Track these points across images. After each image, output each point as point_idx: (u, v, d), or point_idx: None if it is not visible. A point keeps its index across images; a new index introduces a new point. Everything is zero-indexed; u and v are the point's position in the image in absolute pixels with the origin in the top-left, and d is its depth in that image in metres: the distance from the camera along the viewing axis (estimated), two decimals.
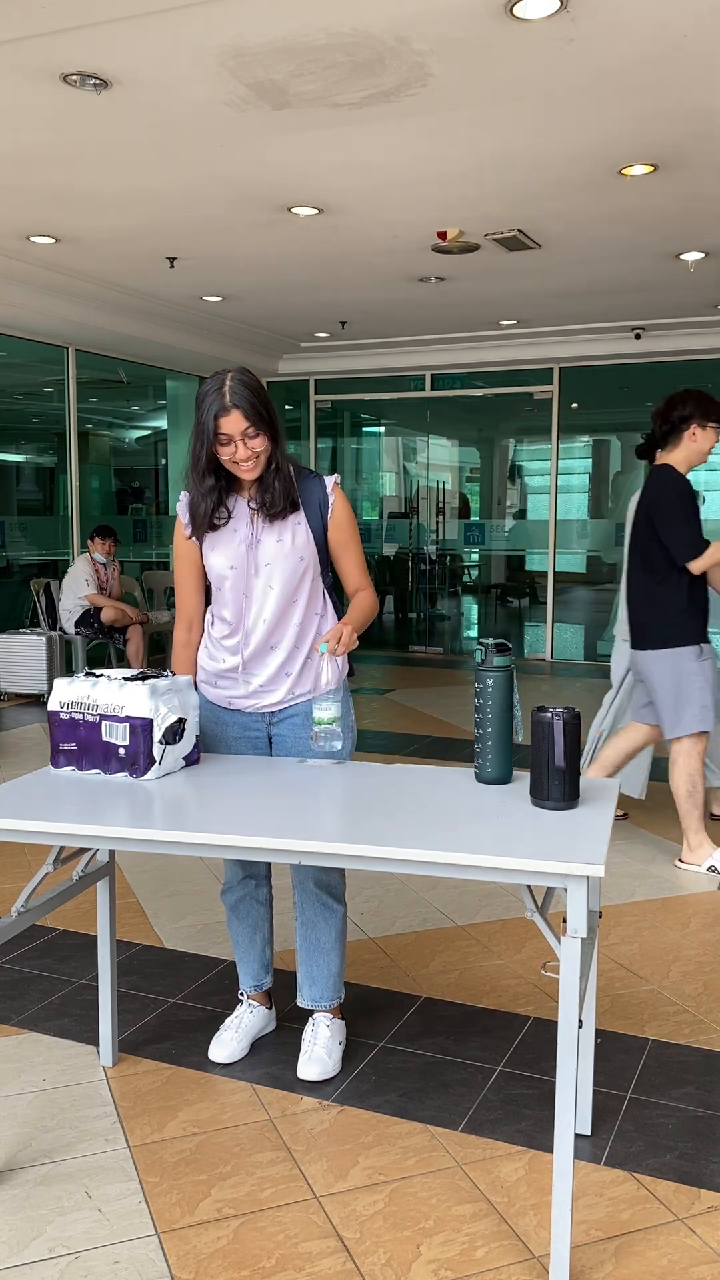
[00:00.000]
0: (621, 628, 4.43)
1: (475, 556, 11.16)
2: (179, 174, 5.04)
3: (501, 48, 3.68)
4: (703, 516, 4.07)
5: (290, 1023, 2.91)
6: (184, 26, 3.53)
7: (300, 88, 4.00)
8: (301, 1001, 2.77)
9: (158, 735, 2.35)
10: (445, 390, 10.52)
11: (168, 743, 2.38)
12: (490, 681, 2.28)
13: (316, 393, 10.99)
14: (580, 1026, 1.96)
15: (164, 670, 2.54)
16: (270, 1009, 2.88)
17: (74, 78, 3.91)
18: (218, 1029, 2.83)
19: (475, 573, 11.39)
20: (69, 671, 7.82)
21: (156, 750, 2.35)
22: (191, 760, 2.49)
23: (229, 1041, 2.75)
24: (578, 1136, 2.40)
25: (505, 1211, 2.15)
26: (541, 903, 2.04)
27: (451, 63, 3.79)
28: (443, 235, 6.06)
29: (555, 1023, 2.87)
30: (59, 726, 2.42)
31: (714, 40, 3.63)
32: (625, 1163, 2.31)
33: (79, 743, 2.41)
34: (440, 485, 11.57)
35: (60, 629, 8.06)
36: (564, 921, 1.86)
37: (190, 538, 2.60)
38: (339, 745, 2.50)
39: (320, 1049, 2.68)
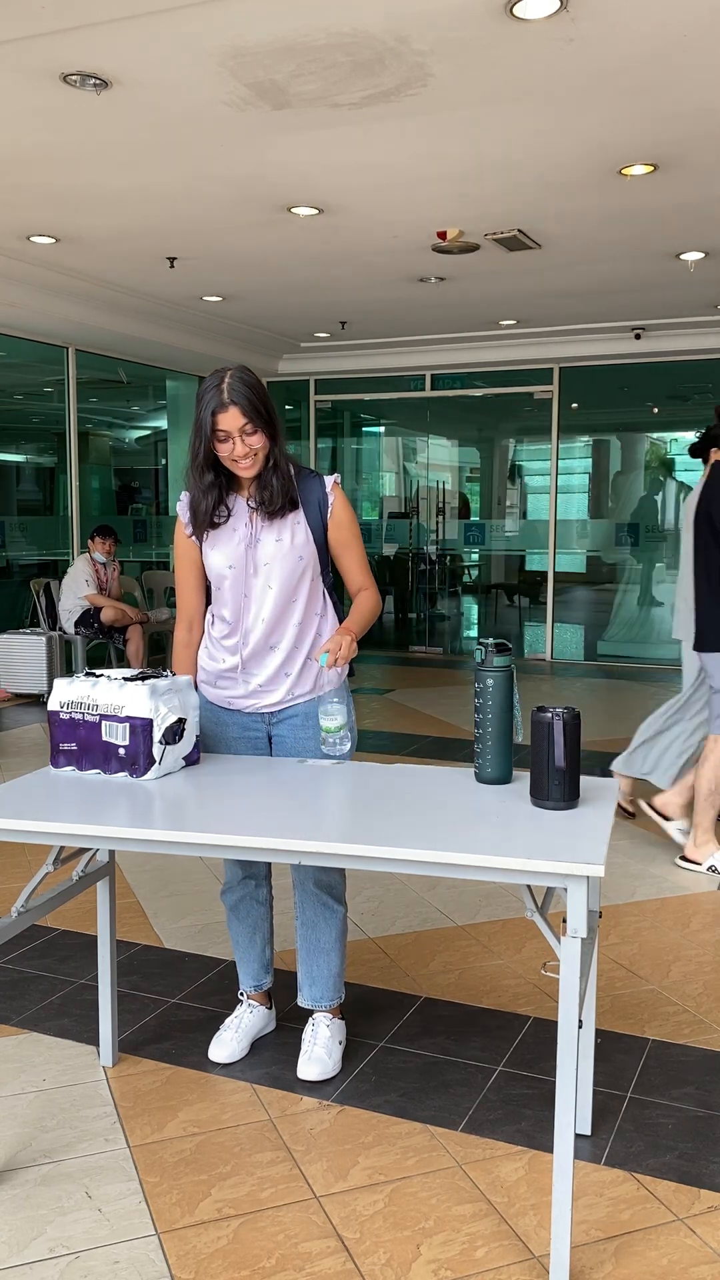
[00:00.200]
0: (683, 629, 4.25)
1: (475, 556, 11.17)
2: (179, 174, 5.04)
3: (501, 48, 3.68)
4: None
5: (290, 1023, 2.91)
6: (184, 26, 3.52)
7: (300, 88, 4.00)
8: (302, 1001, 2.77)
9: (158, 735, 2.35)
10: (445, 390, 10.52)
11: (168, 743, 2.38)
12: (490, 681, 2.28)
13: (316, 393, 10.99)
14: (580, 1026, 1.96)
15: (164, 670, 2.54)
16: (270, 1009, 2.88)
17: (74, 78, 3.91)
18: (218, 1029, 2.83)
19: (475, 573, 11.39)
20: (69, 671, 7.82)
21: (156, 750, 2.35)
22: (191, 760, 2.49)
23: (229, 1041, 2.75)
24: (578, 1136, 2.40)
25: (505, 1211, 2.15)
26: (541, 903, 2.04)
27: (451, 63, 3.79)
28: (443, 235, 6.06)
29: (555, 1023, 2.87)
30: (59, 726, 2.42)
31: (714, 40, 3.63)
32: (625, 1163, 2.31)
33: (79, 743, 2.41)
34: (440, 485, 11.57)
35: (60, 629, 8.06)
36: (564, 921, 1.86)
37: (190, 536, 2.61)
38: (348, 748, 2.52)
39: (320, 1049, 2.68)
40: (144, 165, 4.92)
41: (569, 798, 2.13)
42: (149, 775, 2.36)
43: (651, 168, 4.90)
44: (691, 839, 4.16)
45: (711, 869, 4.09)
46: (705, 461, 4.26)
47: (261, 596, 2.56)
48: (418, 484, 11.92)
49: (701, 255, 6.53)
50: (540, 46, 3.67)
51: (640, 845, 4.47)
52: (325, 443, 11.42)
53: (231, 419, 2.40)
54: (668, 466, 10.66)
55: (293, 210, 5.59)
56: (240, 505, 2.57)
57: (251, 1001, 2.83)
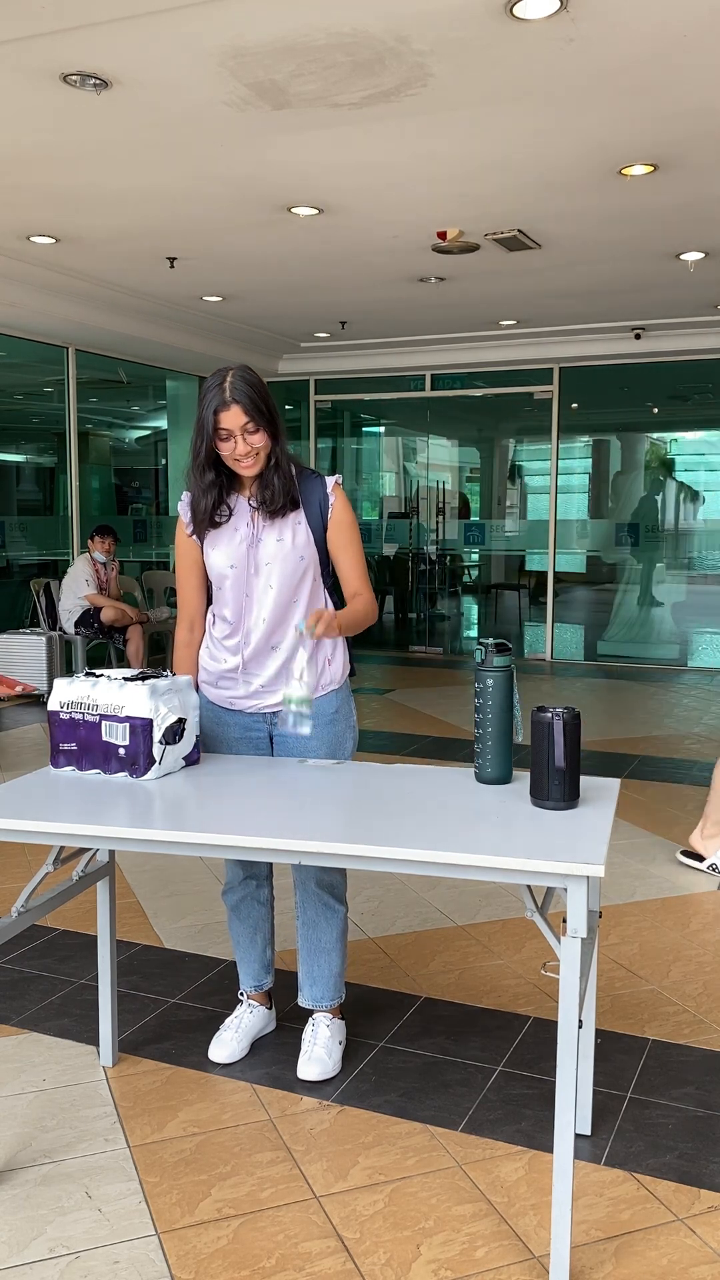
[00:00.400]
0: None
1: (475, 556, 11.17)
2: (179, 174, 5.04)
3: (501, 48, 3.68)
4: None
5: (290, 1023, 2.91)
6: (184, 26, 3.53)
7: (300, 88, 4.00)
8: (302, 1001, 2.77)
9: (158, 735, 2.35)
10: (445, 390, 10.52)
11: (168, 743, 2.38)
12: (490, 681, 2.28)
13: (316, 393, 10.99)
14: (580, 1026, 1.96)
15: (164, 670, 2.54)
16: (270, 1009, 2.88)
17: (74, 78, 3.91)
18: (218, 1029, 2.83)
19: (475, 573, 11.39)
20: (69, 671, 7.82)
21: (156, 750, 2.35)
22: (191, 760, 2.49)
23: (229, 1041, 2.75)
24: (578, 1136, 2.40)
25: (505, 1211, 2.15)
26: (541, 903, 2.04)
27: (451, 63, 3.79)
28: (443, 235, 6.06)
29: (555, 1023, 2.87)
30: (59, 726, 2.42)
31: (714, 40, 3.63)
32: (625, 1163, 2.31)
33: (79, 743, 2.41)
34: (440, 485, 11.57)
35: (60, 629, 8.06)
36: (564, 921, 1.86)
37: (191, 536, 2.60)
38: (306, 730, 2.44)
39: (320, 1049, 2.68)
40: (144, 165, 4.92)
41: (569, 798, 2.13)
42: (149, 775, 2.36)
43: (651, 168, 4.90)
44: (699, 830, 4.13)
45: (713, 867, 4.09)
46: None
47: (263, 596, 2.55)
48: (418, 484, 11.92)
49: (701, 255, 6.54)
50: (540, 46, 3.67)
51: (640, 845, 4.47)
52: (325, 443, 11.42)
53: (233, 417, 2.40)
54: (668, 466, 10.67)
55: (293, 210, 5.59)
56: (242, 505, 2.57)
57: (252, 1001, 2.83)
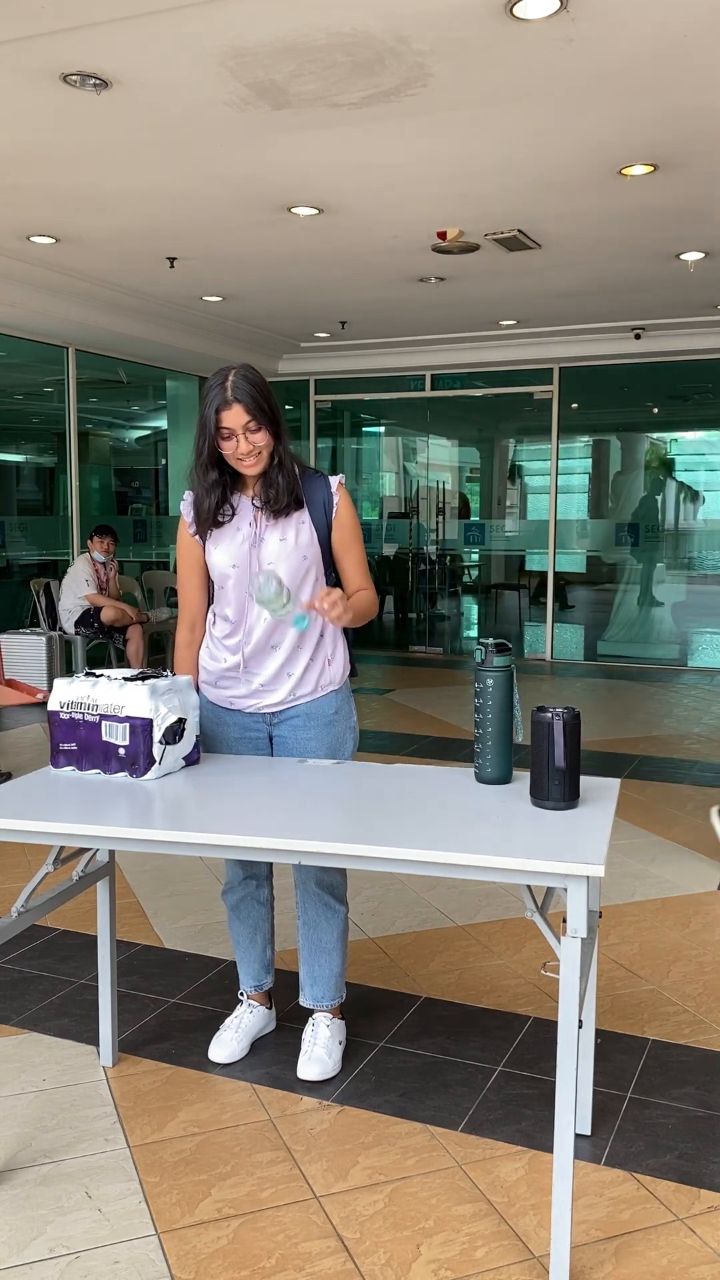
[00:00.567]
0: None
1: (475, 556, 11.17)
2: (179, 174, 5.04)
3: (501, 48, 3.68)
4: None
5: (290, 1023, 2.91)
6: (184, 26, 3.52)
7: (300, 88, 4.00)
8: (303, 1001, 2.77)
9: (158, 735, 2.35)
10: (445, 390, 10.52)
11: (168, 743, 2.38)
12: (490, 681, 2.28)
13: (316, 393, 10.99)
14: (580, 1026, 1.96)
15: (164, 670, 2.54)
16: (270, 1009, 2.88)
17: (74, 78, 3.91)
18: (218, 1029, 2.83)
19: (475, 573, 11.39)
20: (69, 671, 7.82)
21: (156, 750, 2.35)
22: (191, 760, 2.49)
23: (229, 1041, 2.75)
24: (578, 1136, 2.40)
25: (505, 1211, 2.15)
26: (541, 903, 2.04)
27: (451, 63, 3.79)
28: (443, 235, 6.06)
29: (555, 1023, 2.87)
30: (59, 726, 2.42)
31: (714, 40, 3.63)
32: (625, 1163, 2.31)
33: (79, 743, 2.41)
34: (440, 485, 11.57)
35: (60, 629, 8.06)
36: (564, 921, 1.86)
37: (194, 535, 2.60)
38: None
39: (320, 1049, 2.68)
40: (144, 165, 4.92)
41: (569, 798, 2.13)
42: (149, 775, 2.36)
43: (651, 168, 4.90)
44: None
45: None
46: None
47: None
48: (418, 484, 11.92)
49: (701, 255, 6.53)
50: (540, 46, 3.67)
51: (640, 845, 4.47)
52: (325, 443, 11.42)
53: (235, 416, 2.40)
54: (668, 466, 10.67)
55: (293, 210, 5.59)
56: (244, 504, 2.57)
57: (252, 1001, 2.83)
